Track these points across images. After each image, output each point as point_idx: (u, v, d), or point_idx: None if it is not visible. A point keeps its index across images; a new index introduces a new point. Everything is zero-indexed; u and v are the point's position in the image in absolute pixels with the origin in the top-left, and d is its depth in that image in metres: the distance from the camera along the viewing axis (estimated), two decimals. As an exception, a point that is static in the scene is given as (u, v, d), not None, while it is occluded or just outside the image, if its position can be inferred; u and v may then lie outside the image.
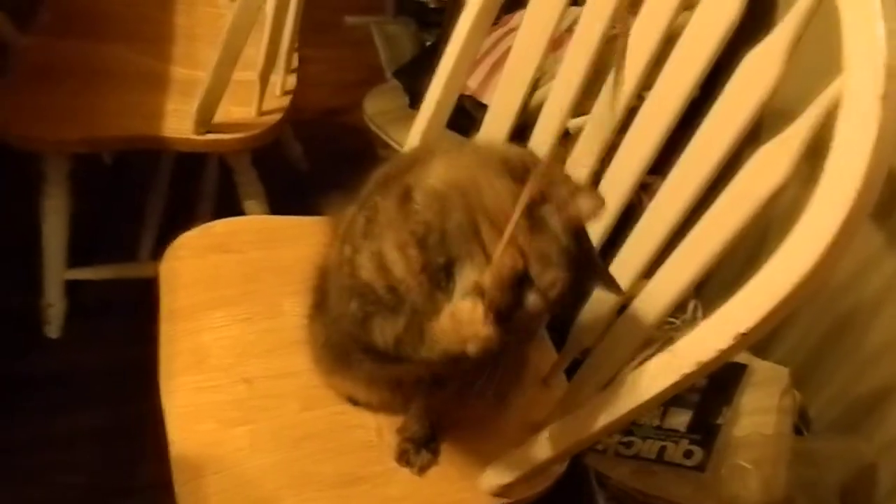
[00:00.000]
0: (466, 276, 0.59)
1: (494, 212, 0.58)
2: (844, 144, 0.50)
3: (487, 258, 0.58)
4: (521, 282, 0.58)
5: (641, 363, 0.64)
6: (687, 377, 0.60)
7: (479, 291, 0.58)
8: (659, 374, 0.62)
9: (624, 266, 0.75)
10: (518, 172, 0.59)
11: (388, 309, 0.64)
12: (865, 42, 0.50)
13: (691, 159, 0.68)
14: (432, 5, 2.08)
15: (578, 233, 0.59)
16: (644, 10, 0.75)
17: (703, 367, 0.58)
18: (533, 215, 0.57)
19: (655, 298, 0.69)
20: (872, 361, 1.01)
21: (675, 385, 0.61)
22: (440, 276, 0.60)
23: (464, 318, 0.57)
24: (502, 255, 0.57)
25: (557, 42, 0.92)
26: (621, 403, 0.65)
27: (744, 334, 0.55)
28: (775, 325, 0.55)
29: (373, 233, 0.64)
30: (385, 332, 0.65)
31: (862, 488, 0.98)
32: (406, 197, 0.61)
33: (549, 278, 0.58)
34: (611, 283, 0.67)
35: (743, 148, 0.64)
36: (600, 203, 0.58)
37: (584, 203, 0.58)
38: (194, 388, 0.84)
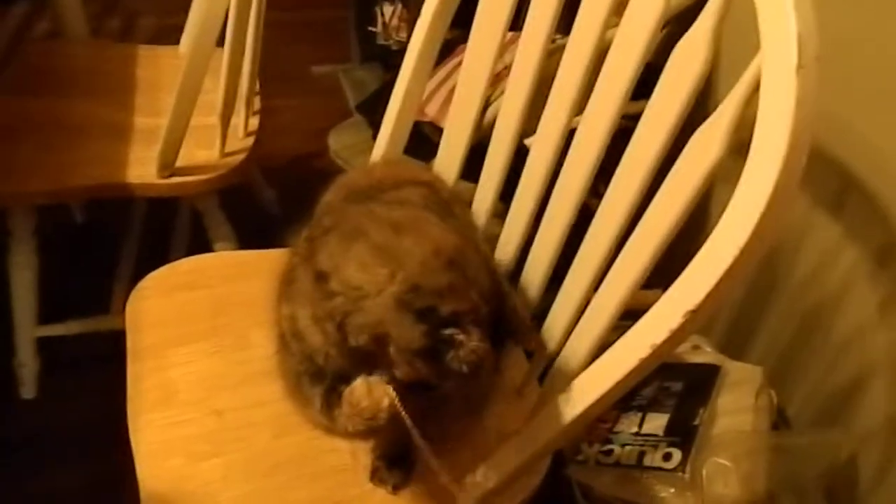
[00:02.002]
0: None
1: (399, 345, 0.60)
2: (767, 116, 0.52)
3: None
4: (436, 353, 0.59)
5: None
6: (644, 361, 0.60)
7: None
8: (616, 363, 0.63)
9: (582, 266, 0.76)
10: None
11: (313, 372, 0.68)
12: (776, 15, 0.52)
13: (634, 154, 0.69)
14: (395, 48, 2.12)
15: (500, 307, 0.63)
16: (575, 27, 0.77)
17: (658, 350, 0.59)
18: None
19: (613, 292, 0.70)
20: (842, 354, 1.01)
21: (635, 371, 0.61)
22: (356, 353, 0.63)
23: (359, 399, 0.63)
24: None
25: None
26: (584, 397, 0.65)
27: (693, 311, 0.56)
28: (722, 300, 0.55)
29: (290, 295, 0.69)
30: (314, 394, 0.69)
31: (843, 479, 0.97)
32: (321, 277, 0.63)
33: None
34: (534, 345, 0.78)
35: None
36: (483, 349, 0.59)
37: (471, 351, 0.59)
38: (163, 424, 0.83)
